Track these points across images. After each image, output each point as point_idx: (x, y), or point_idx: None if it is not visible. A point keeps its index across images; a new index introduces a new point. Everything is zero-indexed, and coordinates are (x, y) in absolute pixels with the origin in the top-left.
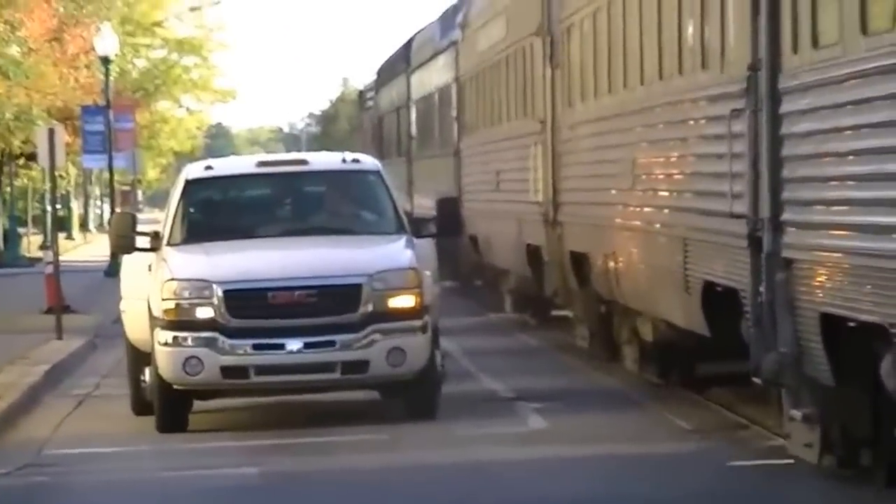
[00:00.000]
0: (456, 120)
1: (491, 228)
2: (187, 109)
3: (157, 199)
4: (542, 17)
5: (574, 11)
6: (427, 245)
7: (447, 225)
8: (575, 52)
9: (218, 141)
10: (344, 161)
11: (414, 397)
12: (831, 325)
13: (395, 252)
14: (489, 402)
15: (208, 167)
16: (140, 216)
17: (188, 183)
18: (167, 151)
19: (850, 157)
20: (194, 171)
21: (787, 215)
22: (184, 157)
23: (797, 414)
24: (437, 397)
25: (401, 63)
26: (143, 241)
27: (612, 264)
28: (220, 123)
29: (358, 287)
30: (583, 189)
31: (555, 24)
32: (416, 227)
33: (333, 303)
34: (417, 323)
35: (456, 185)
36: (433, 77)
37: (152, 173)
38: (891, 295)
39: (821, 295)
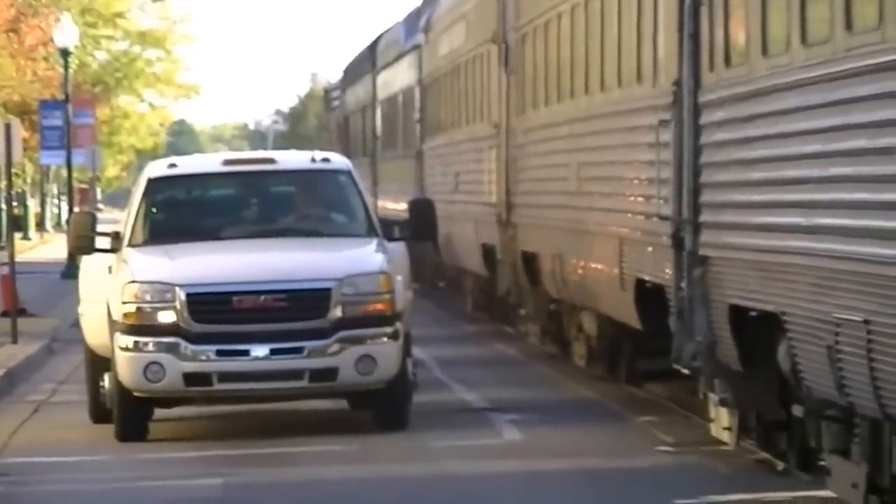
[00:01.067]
0: (419, 122)
1: (450, 229)
2: (150, 105)
3: (117, 198)
4: (498, 26)
5: (527, 21)
6: (399, 249)
7: (421, 228)
8: (528, 60)
9: (181, 138)
10: (313, 160)
11: (384, 407)
12: (739, 316)
13: (365, 255)
14: (462, 413)
15: (172, 165)
16: (99, 216)
17: (151, 181)
18: (128, 148)
19: (752, 165)
20: (157, 169)
21: (704, 217)
22: (145, 155)
23: (715, 398)
24: (408, 407)
25: (367, 63)
26: (102, 242)
27: (559, 263)
28: (183, 120)
29: (327, 291)
30: (534, 192)
31: (510, 33)
32: (388, 230)
33: (301, 308)
34: (388, 330)
35: (419, 186)
36: (397, 78)
37: (112, 171)
38: (784, 286)
39: (729, 288)
